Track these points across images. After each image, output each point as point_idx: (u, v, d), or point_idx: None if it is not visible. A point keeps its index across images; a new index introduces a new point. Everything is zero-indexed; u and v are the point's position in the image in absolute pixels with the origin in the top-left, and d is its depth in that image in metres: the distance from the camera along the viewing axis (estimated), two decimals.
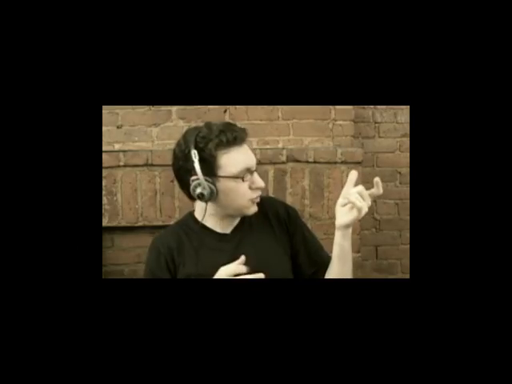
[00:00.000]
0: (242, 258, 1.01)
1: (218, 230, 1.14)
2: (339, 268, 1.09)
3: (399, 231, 2.10)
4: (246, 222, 1.15)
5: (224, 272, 1.01)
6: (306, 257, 1.17)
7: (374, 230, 2.09)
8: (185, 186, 1.09)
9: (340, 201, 1.04)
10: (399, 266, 2.12)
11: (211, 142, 1.03)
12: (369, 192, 1.00)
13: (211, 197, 1.05)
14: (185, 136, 1.08)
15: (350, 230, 1.06)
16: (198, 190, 1.05)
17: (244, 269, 1.00)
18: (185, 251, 1.11)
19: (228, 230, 1.14)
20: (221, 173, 1.04)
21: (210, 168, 1.04)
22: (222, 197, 1.07)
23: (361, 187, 0.99)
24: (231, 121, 1.60)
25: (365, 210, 0.99)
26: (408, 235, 2.05)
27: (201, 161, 1.03)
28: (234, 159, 1.04)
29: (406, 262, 2.07)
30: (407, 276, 2.00)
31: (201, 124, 1.11)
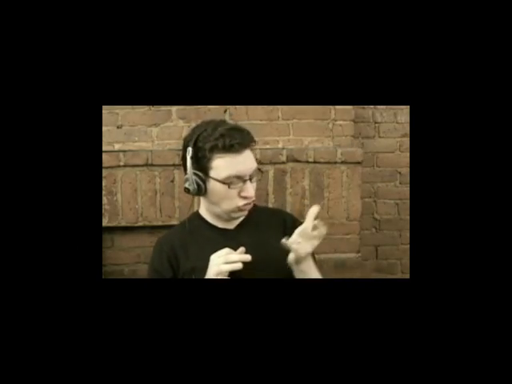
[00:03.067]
0: (241, 249, 1.02)
1: (220, 225, 1.15)
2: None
3: (399, 231, 2.10)
4: (250, 221, 1.16)
5: (216, 256, 1.02)
6: None
7: (373, 229, 2.09)
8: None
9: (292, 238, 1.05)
10: (399, 266, 2.12)
11: (208, 143, 1.05)
12: (313, 234, 1.04)
13: (198, 193, 1.09)
14: (193, 130, 1.12)
15: (308, 260, 1.08)
16: (186, 185, 1.09)
17: (236, 257, 1.00)
18: (188, 247, 1.13)
19: (231, 226, 1.16)
20: (211, 174, 1.06)
21: (203, 167, 1.07)
22: (211, 196, 1.09)
23: (302, 228, 1.03)
24: (232, 121, 1.59)
25: (304, 250, 1.04)
26: (408, 235, 2.05)
27: (196, 158, 1.07)
28: (226, 165, 1.05)
29: (406, 261, 2.07)
30: (407, 276, 2.00)
31: (216, 119, 1.13)
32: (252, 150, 1.10)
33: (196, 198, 1.65)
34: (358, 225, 1.75)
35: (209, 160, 1.05)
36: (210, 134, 1.06)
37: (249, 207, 1.11)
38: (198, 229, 1.16)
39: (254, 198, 1.10)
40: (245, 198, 1.08)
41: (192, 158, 1.07)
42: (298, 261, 1.06)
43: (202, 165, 1.07)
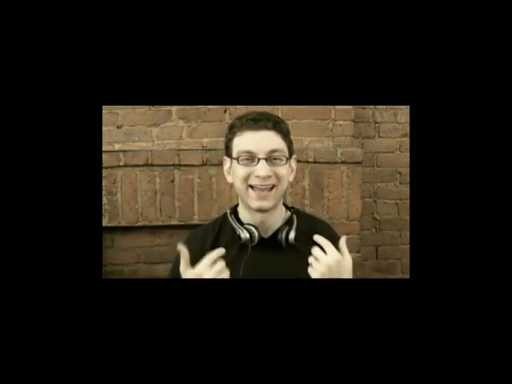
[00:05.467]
0: (222, 250, 0.94)
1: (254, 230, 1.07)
2: None
3: (399, 231, 2.10)
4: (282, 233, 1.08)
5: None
6: None
7: (373, 230, 2.10)
8: None
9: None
10: (399, 266, 2.12)
11: (231, 124, 1.08)
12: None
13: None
14: None
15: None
16: None
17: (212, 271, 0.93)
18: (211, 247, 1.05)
19: (265, 235, 1.09)
20: (232, 154, 1.06)
21: (228, 149, 1.09)
22: (232, 178, 1.09)
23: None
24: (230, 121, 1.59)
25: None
26: (408, 235, 2.05)
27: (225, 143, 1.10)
28: (240, 141, 1.04)
29: (406, 261, 2.07)
30: (407, 276, 2.00)
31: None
32: (284, 137, 1.05)
33: (196, 198, 1.66)
34: (358, 225, 1.75)
35: (230, 140, 1.07)
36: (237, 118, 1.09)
37: (266, 196, 1.03)
38: (226, 229, 1.11)
39: (270, 182, 1.02)
40: (256, 177, 1.02)
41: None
42: None
43: (227, 148, 1.09)
